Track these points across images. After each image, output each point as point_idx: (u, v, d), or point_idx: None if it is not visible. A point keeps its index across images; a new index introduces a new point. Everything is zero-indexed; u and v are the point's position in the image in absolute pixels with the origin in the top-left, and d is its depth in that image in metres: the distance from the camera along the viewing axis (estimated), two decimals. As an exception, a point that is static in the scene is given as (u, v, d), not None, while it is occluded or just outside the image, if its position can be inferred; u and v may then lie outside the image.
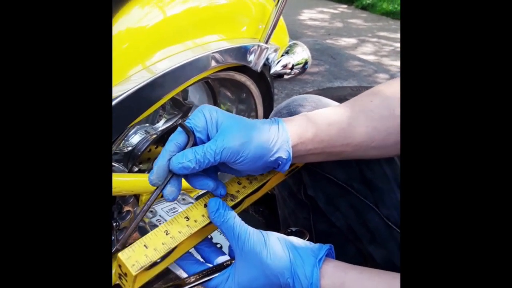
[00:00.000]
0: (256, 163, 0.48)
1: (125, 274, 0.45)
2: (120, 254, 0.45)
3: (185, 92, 0.98)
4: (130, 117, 0.64)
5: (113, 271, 0.79)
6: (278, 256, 0.46)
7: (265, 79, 0.93)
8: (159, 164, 0.46)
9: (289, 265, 0.46)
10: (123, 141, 0.91)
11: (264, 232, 0.49)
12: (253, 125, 0.49)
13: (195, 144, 0.48)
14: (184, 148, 0.47)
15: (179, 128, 0.47)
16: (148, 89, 0.66)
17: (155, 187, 0.47)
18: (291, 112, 0.66)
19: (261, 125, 0.49)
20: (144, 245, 0.46)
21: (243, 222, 0.49)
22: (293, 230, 0.58)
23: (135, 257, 0.45)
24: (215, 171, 0.52)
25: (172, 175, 0.47)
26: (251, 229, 0.48)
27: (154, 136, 0.89)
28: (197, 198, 0.83)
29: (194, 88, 1.07)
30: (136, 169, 0.85)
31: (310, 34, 3.51)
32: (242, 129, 0.47)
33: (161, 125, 0.97)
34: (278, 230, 0.51)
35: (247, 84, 0.92)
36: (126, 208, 0.80)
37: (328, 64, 2.59)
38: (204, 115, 0.48)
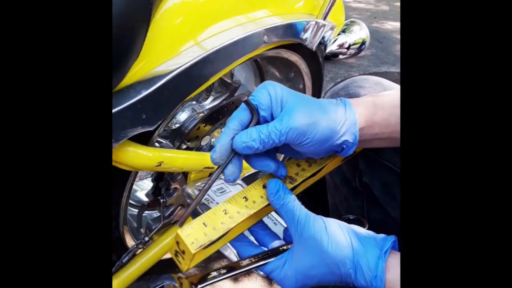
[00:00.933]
0: (322, 146, 0.45)
1: (183, 252, 0.44)
2: (179, 231, 0.44)
3: (231, 70, 0.95)
4: (182, 93, 0.63)
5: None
6: (340, 244, 0.44)
7: (317, 59, 0.89)
8: (222, 143, 0.44)
9: (351, 254, 0.43)
10: (171, 119, 0.91)
11: (324, 218, 0.46)
12: (320, 104, 0.46)
13: (258, 122, 0.45)
14: (247, 126, 0.45)
15: (242, 105, 0.45)
16: (200, 66, 0.64)
17: (216, 166, 0.46)
18: (349, 94, 0.62)
19: (328, 105, 0.46)
20: (203, 223, 0.45)
21: (303, 206, 0.46)
22: (350, 218, 0.55)
23: (194, 235, 0.44)
24: (275, 151, 0.50)
25: (234, 154, 0.45)
26: (311, 214, 0.46)
27: (202, 114, 0.88)
28: (244, 179, 0.81)
29: (241, 67, 1.04)
30: (184, 146, 0.84)
31: (355, 17, 3.37)
32: (309, 109, 0.44)
33: (208, 103, 0.96)
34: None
35: (298, 64, 0.88)
36: (174, 185, 0.79)
37: (374, 48, 2.49)
38: (269, 92, 0.45)
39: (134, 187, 1.06)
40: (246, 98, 0.45)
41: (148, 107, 0.58)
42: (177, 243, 0.45)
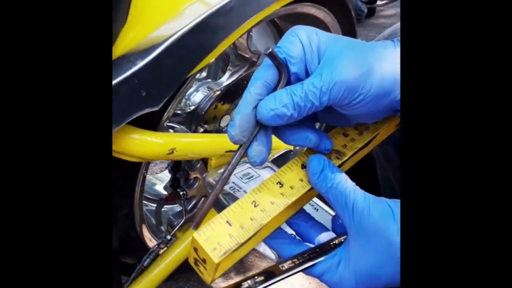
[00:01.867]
0: (379, 103, 0.34)
1: (204, 261, 0.34)
2: (196, 235, 0.34)
3: (248, 39, 0.84)
4: (188, 62, 0.52)
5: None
6: None
7: (348, 12, 0.76)
8: (243, 113, 0.33)
9: None
10: (184, 100, 0.81)
11: (389, 200, 0.35)
12: (372, 47, 0.34)
13: (289, 82, 0.34)
14: (275, 88, 0.34)
15: (266, 61, 0.34)
16: (206, 27, 0.53)
17: (237, 146, 0.34)
18: None
19: (382, 48, 0.34)
20: (227, 222, 0.34)
21: (358, 187, 0.35)
22: None
23: (216, 239, 0.33)
24: (314, 120, 0.38)
25: (260, 127, 0.34)
26: (371, 196, 0.35)
27: (218, 92, 0.77)
28: (274, 161, 0.70)
29: (258, 33, 0.93)
30: (201, 130, 0.74)
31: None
32: (358, 54, 0.33)
33: (226, 80, 0.85)
34: None
35: (326, 21, 0.75)
36: (194, 175, 0.70)
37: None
38: (300, 39, 0.34)
39: (153, 180, 0.98)
40: (270, 50, 0.33)
41: (148, 82, 0.47)
42: (195, 249, 0.34)
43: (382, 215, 0.34)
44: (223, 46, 0.57)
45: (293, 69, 0.34)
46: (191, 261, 0.36)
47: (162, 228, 0.77)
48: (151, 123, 0.56)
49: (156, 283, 0.72)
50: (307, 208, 0.61)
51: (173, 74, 0.50)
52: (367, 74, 0.33)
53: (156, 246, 0.72)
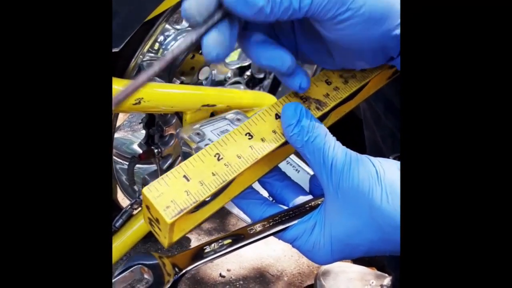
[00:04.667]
0: (370, 31, 0.28)
1: (157, 221, 0.30)
2: (146, 190, 0.29)
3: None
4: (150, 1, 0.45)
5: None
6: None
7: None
8: None
9: None
10: (162, 49, 0.74)
11: (374, 159, 0.30)
12: None
13: None
14: None
15: None
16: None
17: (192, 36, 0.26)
18: None
19: None
20: (184, 176, 0.30)
21: (339, 143, 0.30)
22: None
23: (171, 195, 0.29)
24: (293, 47, 0.33)
25: (224, 14, 0.27)
26: (352, 153, 0.30)
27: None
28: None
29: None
30: (177, 82, 0.68)
31: None
32: None
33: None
34: None
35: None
36: (169, 131, 0.65)
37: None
38: None
39: (131, 138, 0.92)
40: None
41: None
42: (147, 207, 0.30)
43: (365, 176, 0.29)
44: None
45: None
46: (146, 221, 0.32)
47: (136, 188, 0.72)
48: (117, 70, 0.50)
49: (129, 245, 0.68)
50: (287, 169, 0.56)
51: (131, 13, 0.43)
52: None
53: (129, 206, 0.68)
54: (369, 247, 0.31)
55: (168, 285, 0.30)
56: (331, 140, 0.30)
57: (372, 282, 0.76)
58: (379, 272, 0.79)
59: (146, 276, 0.31)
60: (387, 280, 0.75)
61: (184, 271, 0.30)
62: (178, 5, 0.57)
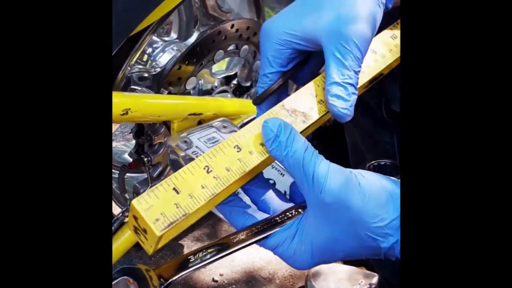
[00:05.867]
0: None
1: (144, 231, 0.31)
2: (135, 202, 0.30)
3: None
4: (137, 13, 0.46)
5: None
6: (381, 205, 0.30)
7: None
8: None
9: (398, 221, 0.29)
10: (150, 61, 0.75)
11: (354, 170, 0.32)
12: None
13: None
14: None
15: None
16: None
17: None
18: None
19: None
20: (174, 189, 0.31)
21: (318, 155, 0.32)
22: (382, 163, 0.40)
23: (160, 208, 0.30)
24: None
25: None
26: (332, 166, 0.31)
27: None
28: (242, 126, 0.66)
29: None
30: (165, 92, 0.69)
31: None
32: None
33: (194, 40, 0.79)
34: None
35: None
36: (158, 140, 0.66)
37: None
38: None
39: (124, 148, 0.93)
40: None
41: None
42: (135, 218, 0.31)
43: (345, 188, 0.31)
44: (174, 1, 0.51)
45: None
46: (130, 228, 0.33)
47: (127, 196, 0.73)
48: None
49: (121, 252, 0.69)
50: (272, 172, 0.58)
51: (117, 26, 0.44)
52: None
53: (121, 214, 0.68)
54: (348, 252, 0.33)
55: (154, 296, 0.32)
56: (310, 153, 0.32)
57: (361, 282, 0.78)
58: (368, 271, 0.80)
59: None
60: (376, 279, 0.77)
61: (169, 281, 0.32)
62: (165, 18, 0.58)
